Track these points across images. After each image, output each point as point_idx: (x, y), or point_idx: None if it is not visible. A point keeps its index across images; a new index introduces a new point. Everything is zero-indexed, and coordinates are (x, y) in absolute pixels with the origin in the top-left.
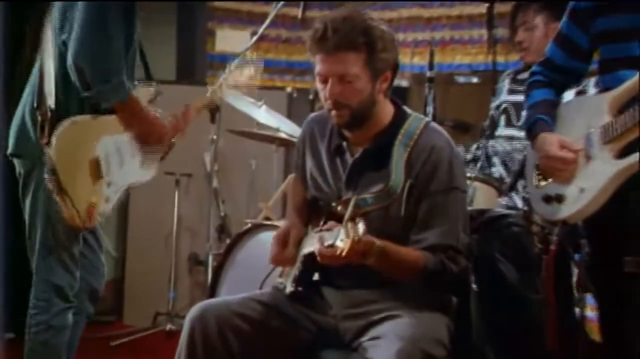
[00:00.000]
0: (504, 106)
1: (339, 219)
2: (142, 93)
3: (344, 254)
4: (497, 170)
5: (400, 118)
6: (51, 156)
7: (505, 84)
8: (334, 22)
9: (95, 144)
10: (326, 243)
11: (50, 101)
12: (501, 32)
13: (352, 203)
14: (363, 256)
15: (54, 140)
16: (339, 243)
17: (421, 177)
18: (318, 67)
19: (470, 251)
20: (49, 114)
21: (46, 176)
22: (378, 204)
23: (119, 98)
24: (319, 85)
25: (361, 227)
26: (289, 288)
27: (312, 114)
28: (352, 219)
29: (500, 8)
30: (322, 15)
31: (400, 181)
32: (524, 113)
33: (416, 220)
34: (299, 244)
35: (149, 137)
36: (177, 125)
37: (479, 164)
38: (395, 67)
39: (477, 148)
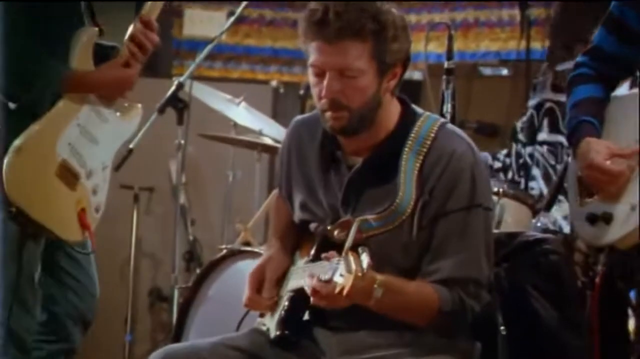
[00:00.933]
0: (547, 105)
1: (335, 246)
2: (85, 37)
3: (344, 292)
4: (537, 185)
5: (408, 119)
6: (10, 197)
7: (548, 77)
8: (336, 2)
9: (54, 147)
10: (323, 278)
11: None
12: (536, 12)
13: (354, 228)
14: (364, 295)
15: (4, 179)
16: (338, 279)
17: (437, 192)
18: (313, 57)
19: (499, 284)
20: None
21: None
22: (383, 227)
23: (55, 90)
24: (312, 79)
25: (365, 259)
26: (274, 332)
27: (299, 117)
28: (354, 248)
29: None
30: None
31: (410, 197)
32: None
33: (429, 246)
34: (281, 278)
35: (115, 92)
36: (135, 55)
37: (509, 175)
38: (406, 61)
39: (507, 155)
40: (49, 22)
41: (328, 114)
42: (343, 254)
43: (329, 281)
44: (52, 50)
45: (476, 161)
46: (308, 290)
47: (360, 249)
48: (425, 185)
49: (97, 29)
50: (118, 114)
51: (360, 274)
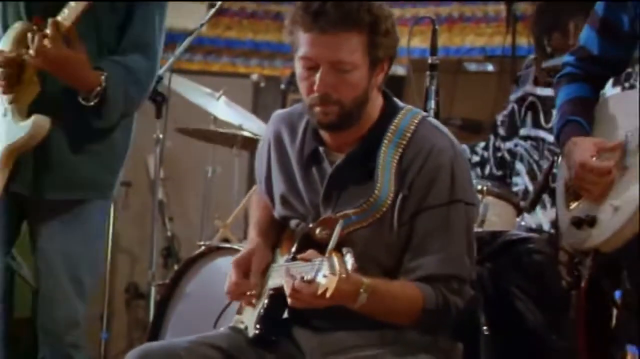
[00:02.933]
0: (529, 99)
1: (317, 244)
2: (70, 12)
3: (328, 294)
4: (522, 181)
5: (389, 112)
6: None
7: (531, 71)
8: None
9: None
10: (305, 278)
11: None
12: (522, 7)
13: (337, 227)
14: (348, 298)
15: None
16: (321, 279)
17: (416, 187)
18: (305, 50)
19: (482, 283)
20: None
21: None
22: (364, 220)
23: None
24: (301, 72)
25: (349, 260)
26: (252, 330)
27: (279, 111)
28: (337, 248)
29: None
30: None
31: (388, 190)
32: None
33: (410, 243)
34: (263, 273)
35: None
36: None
37: (487, 169)
38: (393, 56)
39: (485, 148)
40: None
41: (317, 109)
42: (327, 254)
43: (312, 282)
44: None
45: (456, 156)
46: (287, 290)
47: (344, 250)
48: (404, 178)
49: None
50: (14, 114)
51: (344, 275)
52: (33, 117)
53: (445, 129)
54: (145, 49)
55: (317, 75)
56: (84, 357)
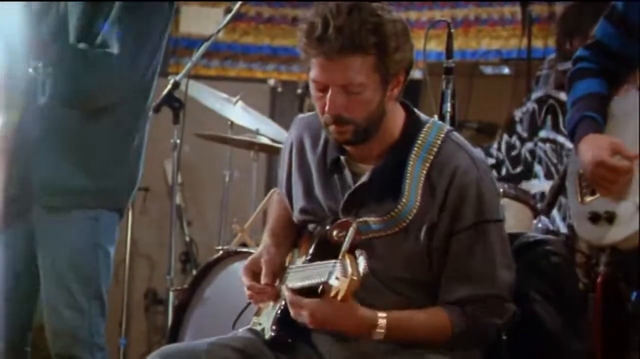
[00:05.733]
0: (549, 102)
1: (333, 246)
2: None
3: (339, 297)
4: (539, 183)
5: (414, 127)
6: None
7: (552, 72)
8: (336, 16)
9: None
10: (315, 281)
11: None
12: (538, 9)
13: (352, 229)
14: (361, 332)
15: None
16: (333, 282)
17: (444, 212)
18: (315, 73)
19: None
20: None
21: None
22: (383, 231)
23: None
24: (314, 92)
25: (362, 263)
26: (269, 333)
27: (302, 115)
28: (352, 250)
29: None
30: (319, 4)
31: (414, 203)
32: None
33: (441, 268)
34: (279, 274)
35: None
36: None
37: (503, 170)
38: (409, 67)
39: (499, 148)
40: None
41: (332, 127)
42: (340, 256)
43: (325, 285)
44: None
45: (481, 175)
46: (289, 305)
47: (357, 252)
48: (433, 193)
49: None
50: None
51: (355, 278)
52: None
53: (468, 146)
54: (120, 48)
55: (327, 97)
56: None
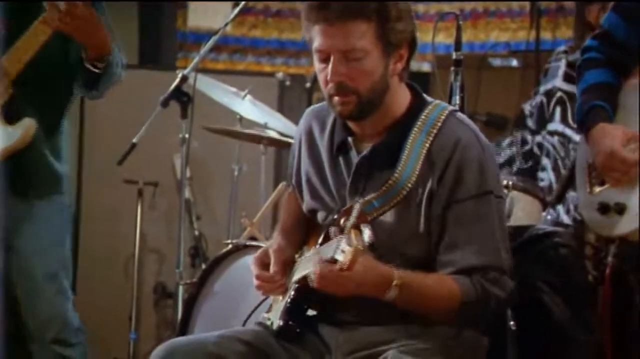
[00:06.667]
0: (558, 94)
1: (342, 233)
2: None
3: (345, 266)
4: (547, 176)
5: (418, 105)
6: None
7: (561, 64)
8: None
9: None
10: (325, 257)
11: None
12: (546, 2)
13: (356, 208)
14: (377, 289)
15: None
16: (339, 256)
17: (445, 182)
18: (317, 42)
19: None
20: None
21: None
22: (386, 204)
23: None
24: (318, 65)
25: (367, 233)
26: (277, 323)
27: (312, 107)
28: (356, 226)
29: None
30: None
31: (411, 173)
32: None
33: (442, 237)
34: (288, 267)
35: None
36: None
37: (515, 166)
38: (412, 43)
39: (510, 144)
40: None
41: (336, 99)
42: (345, 232)
43: (332, 260)
44: None
45: (483, 151)
46: (314, 276)
47: (362, 226)
48: (433, 167)
49: None
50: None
51: (361, 247)
52: (24, 122)
53: (472, 124)
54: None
55: (329, 65)
56: (78, 353)
